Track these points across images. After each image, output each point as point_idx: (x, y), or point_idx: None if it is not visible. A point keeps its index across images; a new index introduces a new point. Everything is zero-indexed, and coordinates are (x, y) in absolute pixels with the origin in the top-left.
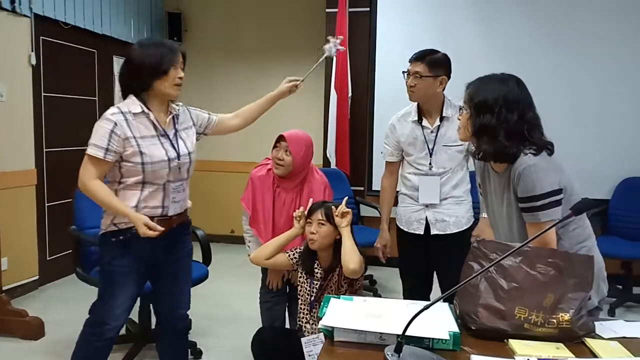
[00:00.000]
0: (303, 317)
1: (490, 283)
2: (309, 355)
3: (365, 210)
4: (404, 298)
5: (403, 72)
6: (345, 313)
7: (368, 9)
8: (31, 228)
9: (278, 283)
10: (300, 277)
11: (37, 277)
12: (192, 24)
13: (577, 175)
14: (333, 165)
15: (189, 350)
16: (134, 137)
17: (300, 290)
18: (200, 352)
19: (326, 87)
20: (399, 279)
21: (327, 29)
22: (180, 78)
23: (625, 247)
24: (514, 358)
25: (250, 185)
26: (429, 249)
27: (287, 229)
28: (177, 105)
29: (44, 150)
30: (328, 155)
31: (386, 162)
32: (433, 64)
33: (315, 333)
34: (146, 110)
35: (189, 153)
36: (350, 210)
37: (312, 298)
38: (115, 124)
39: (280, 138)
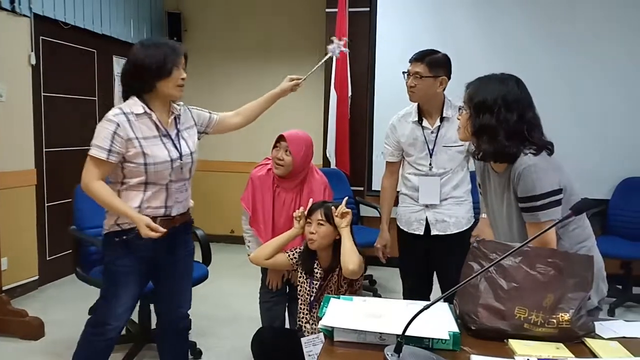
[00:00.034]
0: (303, 317)
1: (490, 283)
2: (309, 355)
3: (365, 211)
4: (404, 298)
5: (403, 73)
6: (345, 313)
7: (368, 9)
8: (31, 228)
9: (278, 283)
10: (300, 277)
11: (37, 277)
12: (191, 24)
13: (577, 175)
14: (333, 165)
15: (189, 350)
16: (137, 138)
17: (300, 290)
18: (200, 352)
19: (326, 87)
20: (399, 279)
21: (327, 29)
22: (182, 79)
23: (625, 247)
24: (513, 358)
25: (250, 185)
26: (429, 249)
27: (287, 229)
28: (178, 105)
29: (44, 150)
30: (328, 155)
31: (386, 162)
32: (433, 64)
33: (315, 333)
34: (148, 110)
35: (191, 153)
36: (350, 210)
37: (312, 298)
38: (118, 125)
39: (280, 138)
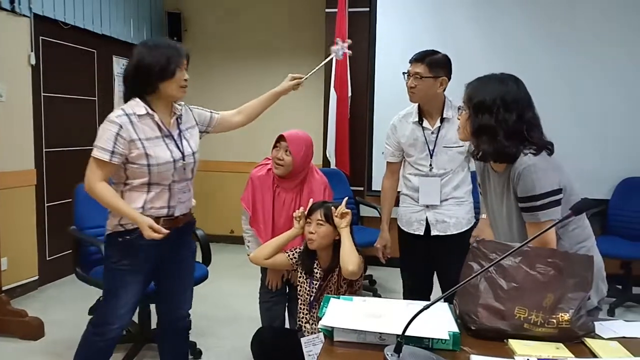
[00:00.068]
0: (303, 317)
1: (490, 283)
2: (309, 355)
3: (365, 211)
4: (404, 298)
5: (403, 73)
6: (345, 313)
7: (368, 9)
8: (31, 228)
9: (277, 283)
10: (299, 277)
11: (36, 277)
12: (191, 24)
13: (577, 175)
14: (333, 165)
15: (189, 350)
16: (139, 139)
17: (300, 290)
18: (200, 352)
19: (326, 87)
20: (398, 279)
21: (326, 29)
22: (185, 80)
23: (625, 247)
24: (513, 358)
25: (250, 185)
26: (429, 250)
27: (287, 229)
28: (179, 105)
29: (44, 150)
30: (328, 155)
31: (387, 162)
32: (433, 64)
33: (315, 333)
34: (150, 111)
35: (193, 153)
36: (349, 211)
37: (312, 298)
38: (121, 126)
39: (280, 138)
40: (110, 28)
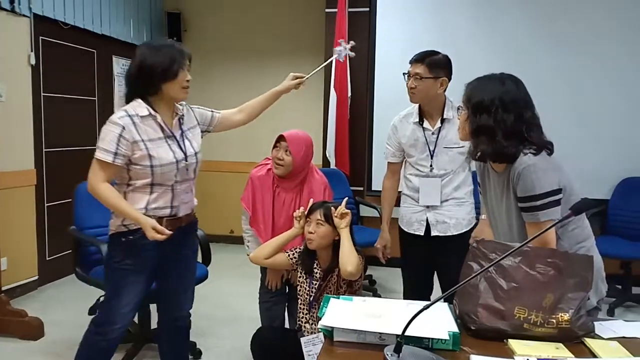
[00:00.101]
0: (302, 317)
1: (489, 283)
2: (309, 355)
3: (365, 211)
4: (405, 298)
5: (403, 74)
6: (345, 313)
7: (368, 9)
8: (31, 228)
9: (277, 283)
10: (299, 277)
11: (36, 277)
12: (191, 24)
13: (576, 175)
14: (332, 166)
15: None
16: (142, 141)
17: (300, 290)
18: (200, 352)
19: (326, 87)
20: (399, 279)
21: (326, 29)
22: (187, 81)
23: (625, 247)
24: (513, 358)
25: (250, 185)
26: (429, 250)
27: (287, 229)
28: (180, 105)
29: (44, 150)
30: (328, 156)
31: (388, 162)
32: (433, 65)
33: (314, 333)
34: (153, 112)
35: (196, 153)
36: (349, 211)
37: (312, 298)
38: (124, 127)
39: (280, 138)
40: (110, 28)
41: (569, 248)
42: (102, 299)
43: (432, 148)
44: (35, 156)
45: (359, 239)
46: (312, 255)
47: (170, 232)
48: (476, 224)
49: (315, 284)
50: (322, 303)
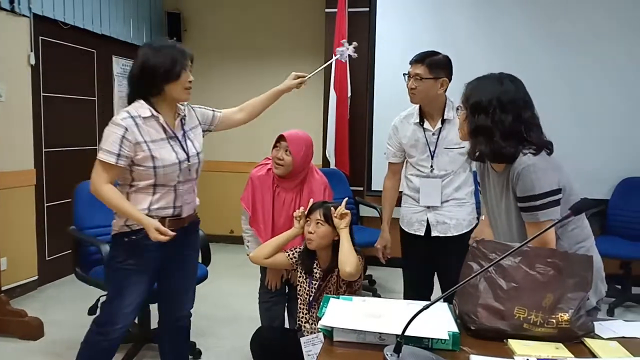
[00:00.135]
0: (302, 317)
1: (489, 283)
2: (309, 355)
3: (365, 211)
4: (405, 297)
5: (404, 75)
6: (345, 313)
7: (368, 9)
8: (30, 228)
9: (277, 283)
10: (299, 277)
11: (36, 277)
12: (191, 24)
13: (576, 175)
14: (332, 166)
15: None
16: (145, 142)
17: (300, 290)
18: (200, 352)
19: (326, 88)
20: (398, 278)
21: (326, 29)
22: (190, 82)
23: (625, 247)
24: (513, 358)
25: (250, 185)
26: (430, 250)
27: (287, 229)
28: (182, 105)
29: (43, 150)
30: (327, 156)
31: (389, 163)
32: (433, 65)
33: (314, 333)
34: (155, 113)
35: (198, 153)
36: (349, 212)
37: (311, 298)
38: (126, 129)
39: (280, 138)
40: (110, 28)
41: (569, 248)
42: (102, 299)
43: (432, 149)
44: (35, 156)
45: (359, 239)
46: (312, 255)
47: (174, 234)
48: (477, 225)
49: (315, 284)
50: (321, 303)
